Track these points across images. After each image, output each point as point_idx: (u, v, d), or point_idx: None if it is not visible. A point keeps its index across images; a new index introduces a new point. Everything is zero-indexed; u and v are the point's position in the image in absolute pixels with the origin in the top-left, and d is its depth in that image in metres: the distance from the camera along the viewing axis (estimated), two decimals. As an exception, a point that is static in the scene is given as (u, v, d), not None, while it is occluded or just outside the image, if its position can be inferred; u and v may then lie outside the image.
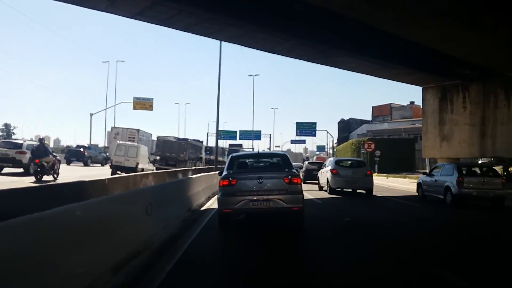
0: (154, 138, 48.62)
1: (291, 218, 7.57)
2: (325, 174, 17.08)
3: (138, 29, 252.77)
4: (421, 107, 25.41)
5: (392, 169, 32.51)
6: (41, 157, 16.62)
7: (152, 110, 47.17)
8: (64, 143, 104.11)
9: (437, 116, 24.11)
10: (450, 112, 23.21)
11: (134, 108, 46.33)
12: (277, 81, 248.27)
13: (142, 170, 23.65)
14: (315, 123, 54.09)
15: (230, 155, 8.75)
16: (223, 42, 23.08)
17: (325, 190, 16.68)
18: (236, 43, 17.26)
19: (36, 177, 16.32)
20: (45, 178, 16.61)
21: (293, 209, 7.17)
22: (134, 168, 23.52)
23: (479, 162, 20.53)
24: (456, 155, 23.31)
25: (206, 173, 14.71)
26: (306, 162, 30.98)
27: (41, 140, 18.37)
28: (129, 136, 35.73)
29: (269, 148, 75.22)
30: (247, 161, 8.78)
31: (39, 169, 16.41)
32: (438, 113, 23.98)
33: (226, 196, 7.23)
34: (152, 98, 47.53)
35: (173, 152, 38.59)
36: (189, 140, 44.94)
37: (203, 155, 53.72)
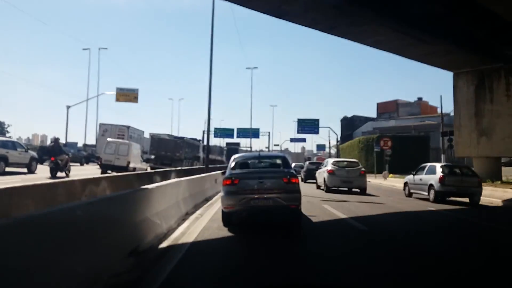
0: (147, 135, 46.89)
1: (290, 215, 8.01)
2: (322, 174, 18.34)
3: (132, 20, 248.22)
4: (453, 95, 22.58)
5: (404, 169, 29.32)
6: (56, 155, 18.50)
7: (137, 102, 43.17)
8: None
9: (472, 106, 21.58)
10: (490, 102, 20.70)
11: (117, 100, 42.41)
12: (277, 78, 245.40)
13: (134, 169, 22.92)
14: (317, 120, 51.42)
15: (233, 157, 9.45)
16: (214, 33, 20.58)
17: (322, 189, 17.93)
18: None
19: (51, 174, 18.04)
20: (59, 174, 18.28)
21: (292, 207, 7.67)
22: (125, 167, 22.61)
23: None
24: (500, 153, 20.68)
25: (192, 176, 11.10)
26: (307, 163, 32.45)
27: (56, 140, 19.95)
28: (118, 133, 33.69)
29: (268, 147, 73.08)
30: (248, 162, 9.34)
31: (54, 166, 18.24)
32: (474, 103, 21.48)
33: (228, 195, 7.67)
34: (137, 89, 43.41)
35: (168, 151, 37.45)
36: (185, 138, 43.42)
37: (201, 154, 52.02)
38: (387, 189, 22.03)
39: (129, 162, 23.50)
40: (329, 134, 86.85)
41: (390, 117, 59.29)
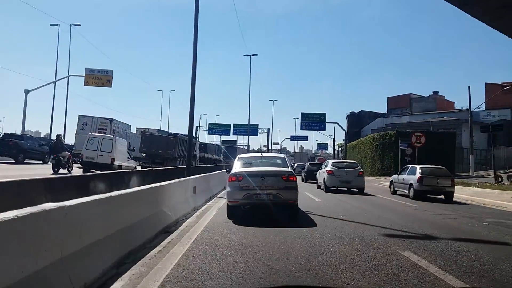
0: (134, 130, 44.64)
1: (288, 209, 9.29)
2: (322, 175, 19.89)
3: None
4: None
5: None
6: (58, 152, 19.51)
7: (110, 86, 38.17)
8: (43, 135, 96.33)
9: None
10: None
11: (87, 83, 37.70)
12: (277, 72, 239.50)
13: (120, 167, 21.87)
14: (324, 114, 48.33)
15: (238, 156, 11.01)
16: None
17: (322, 189, 19.41)
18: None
19: (54, 170, 18.89)
20: (61, 170, 19.17)
21: (289, 202, 9.12)
22: (109, 165, 21.38)
23: None
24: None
25: (155, 185, 7.35)
26: (308, 164, 34.34)
27: (58, 137, 20.78)
28: (99, 127, 30.62)
29: (267, 146, 70.73)
30: (252, 161, 10.61)
31: (56, 162, 19.27)
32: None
33: (233, 190, 9.05)
34: (111, 71, 38.33)
35: (160, 149, 35.71)
36: (179, 135, 41.12)
37: (197, 152, 49.96)
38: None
39: (113, 160, 22.04)
40: (334, 131, 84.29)
41: (403, 112, 56.55)
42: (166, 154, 35.68)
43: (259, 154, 12.34)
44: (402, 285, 4.19)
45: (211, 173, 17.14)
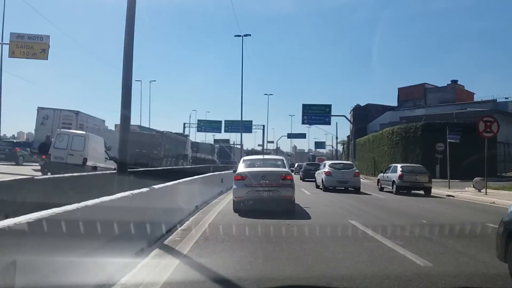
0: (112, 127, 41.22)
1: (285, 204, 10.98)
2: (320, 175, 21.96)
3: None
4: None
5: (468, 171, 22.36)
6: (47, 153, 19.99)
7: (46, 58, 29.81)
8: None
9: None
10: None
11: (13, 54, 29.29)
12: (272, 66, 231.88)
13: (95, 169, 19.92)
14: (329, 106, 44.88)
15: (242, 158, 13.31)
16: None
17: (321, 188, 21.42)
18: None
19: (42, 172, 18.54)
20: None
21: (286, 197, 10.93)
22: (81, 166, 19.44)
23: None
24: None
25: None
26: (305, 163, 38.63)
27: (48, 137, 21.32)
28: (63, 121, 27.17)
29: (262, 145, 68.07)
30: (255, 163, 12.65)
31: (45, 164, 19.60)
32: None
33: (238, 187, 11.08)
34: (47, 36, 29.57)
35: (144, 148, 34.13)
36: (165, 132, 39.20)
37: (189, 152, 46.94)
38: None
39: (85, 159, 20.27)
40: (336, 128, 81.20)
41: (416, 105, 53.38)
42: (150, 154, 34.11)
43: (261, 156, 15.08)
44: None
45: (204, 175, 16.12)
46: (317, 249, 6.31)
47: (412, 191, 19.58)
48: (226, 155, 70.14)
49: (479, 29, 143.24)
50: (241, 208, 10.92)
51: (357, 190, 20.20)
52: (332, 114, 44.77)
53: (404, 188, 19.39)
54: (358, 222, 9.12)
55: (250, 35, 43.14)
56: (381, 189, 21.80)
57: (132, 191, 5.99)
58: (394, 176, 19.83)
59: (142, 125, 50.36)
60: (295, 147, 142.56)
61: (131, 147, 34.34)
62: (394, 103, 58.68)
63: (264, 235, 7.41)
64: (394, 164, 21.64)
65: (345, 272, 5.08)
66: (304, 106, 44.51)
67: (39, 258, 3.32)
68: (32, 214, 3.36)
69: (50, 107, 27.89)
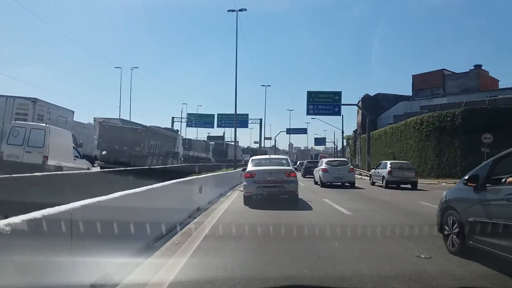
0: (91, 120, 39.22)
1: (290, 197, 13.23)
2: (318, 172, 25.10)
3: None
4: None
5: None
6: None
7: None
8: None
9: None
10: None
11: None
12: (271, 56, 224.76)
13: (60, 169, 17.79)
14: (338, 93, 40.38)
15: (251, 158, 15.81)
16: None
17: (319, 184, 24.03)
18: None
19: None
20: None
21: (291, 192, 13.13)
22: (40, 166, 17.30)
23: None
24: None
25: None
26: (305, 161, 42.79)
27: None
28: (17, 111, 23.19)
29: (259, 142, 64.94)
30: (262, 162, 14.79)
31: None
32: None
33: (248, 184, 13.28)
34: None
35: (125, 144, 31.47)
36: (149, 126, 35.14)
37: (180, 149, 44.85)
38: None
39: (46, 158, 18.10)
40: (342, 121, 77.56)
41: (434, 94, 49.56)
42: (132, 151, 31.26)
43: (267, 156, 18.47)
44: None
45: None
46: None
47: (401, 185, 22.66)
48: (222, 153, 66.42)
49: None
50: (252, 201, 13.09)
51: (352, 185, 22.96)
52: (342, 103, 40.37)
53: (393, 182, 22.64)
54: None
55: (246, 9, 38.64)
56: (373, 184, 25.44)
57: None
58: (384, 172, 23.28)
59: (121, 117, 45.56)
60: (291, 144, 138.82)
61: (110, 143, 30.78)
62: (406, 92, 54.75)
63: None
64: (384, 161, 25.22)
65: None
66: (310, 94, 40.30)
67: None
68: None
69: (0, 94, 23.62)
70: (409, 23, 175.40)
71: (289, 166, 14.24)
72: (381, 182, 23.58)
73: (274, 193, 12.97)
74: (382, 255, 6.01)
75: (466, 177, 5.99)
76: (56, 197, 7.72)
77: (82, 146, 26.63)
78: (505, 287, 4.88)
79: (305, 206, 12.68)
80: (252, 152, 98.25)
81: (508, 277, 4.98)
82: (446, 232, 6.30)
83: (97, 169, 24.94)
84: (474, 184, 5.74)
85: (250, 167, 14.02)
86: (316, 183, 25.17)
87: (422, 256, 5.88)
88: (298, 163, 55.29)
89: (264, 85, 71.53)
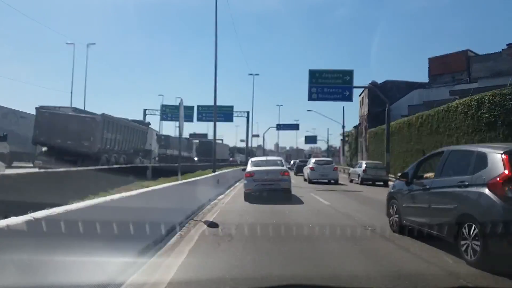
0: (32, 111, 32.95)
1: (284, 193, 16.61)
2: (306, 170, 31.12)
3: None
4: None
5: None
6: None
7: None
8: None
9: None
10: None
11: None
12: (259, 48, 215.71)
13: None
14: (350, 73, 33.27)
15: (250, 159, 19.47)
16: None
17: (306, 181, 29.70)
18: None
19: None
20: None
21: (285, 188, 16.64)
22: None
23: None
24: None
25: None
26: (298, 160, 50.67)
27: None
28: None
29: (246, 139, 61.41)
30: (260, 163, 18.20)
31: None
32: None
33: (248, 182, 16.74)
34: None
35: (70, 138, 26.48)
36: (103, 114, 29.79)
37: (153, 146, 41.57)
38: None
39: None
40: (343, 114, 71.57)
41: (456, 80, 43.54)
42: (79, 147, 26.25)
43: (264, 158, 21.82)
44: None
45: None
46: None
47: (376, 183, 28.30)
48: (207, 153, 59.69)
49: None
50: (251, 197, 16.27)
51: (335, 182, 28.63)
52: (355, 85, 33.33)
53: (367, 180, 28.09)
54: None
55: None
56: (351, 181, 30.92)
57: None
58: (360, 170, 28.99)
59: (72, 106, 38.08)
60: (277, 144, 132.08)
61: (52, 136, 23.90)
62: (419, 79, 48.41)
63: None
64: (360, 161, 32.77)
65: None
66: (313, 73, 33.77)
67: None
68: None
69: None
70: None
71: (283, 166, 18.29)
72: (357, 179, 29.40)
73: (270, 189, 16.52)
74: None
75: (399, 174, 9.34)
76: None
77: (7, 139, 23.97)
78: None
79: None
80: (238, 151, 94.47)
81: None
82: (389, 217, 9.34)
83: (35, 169, 21.23)
84: (405, 180, 8.65)
85: (249, 167, 17.59)
86: (305, 180, 30.96)
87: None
88: (292, 162, 59.32)
89: (251, 74, 64.89)
